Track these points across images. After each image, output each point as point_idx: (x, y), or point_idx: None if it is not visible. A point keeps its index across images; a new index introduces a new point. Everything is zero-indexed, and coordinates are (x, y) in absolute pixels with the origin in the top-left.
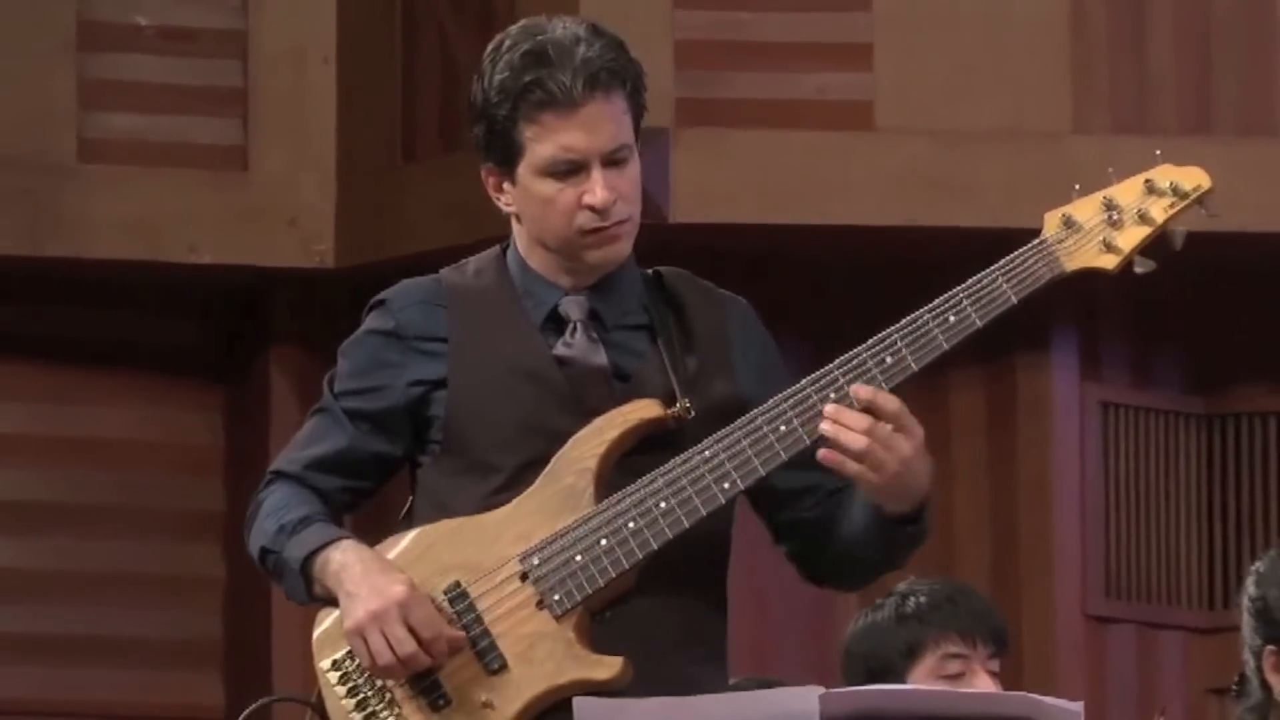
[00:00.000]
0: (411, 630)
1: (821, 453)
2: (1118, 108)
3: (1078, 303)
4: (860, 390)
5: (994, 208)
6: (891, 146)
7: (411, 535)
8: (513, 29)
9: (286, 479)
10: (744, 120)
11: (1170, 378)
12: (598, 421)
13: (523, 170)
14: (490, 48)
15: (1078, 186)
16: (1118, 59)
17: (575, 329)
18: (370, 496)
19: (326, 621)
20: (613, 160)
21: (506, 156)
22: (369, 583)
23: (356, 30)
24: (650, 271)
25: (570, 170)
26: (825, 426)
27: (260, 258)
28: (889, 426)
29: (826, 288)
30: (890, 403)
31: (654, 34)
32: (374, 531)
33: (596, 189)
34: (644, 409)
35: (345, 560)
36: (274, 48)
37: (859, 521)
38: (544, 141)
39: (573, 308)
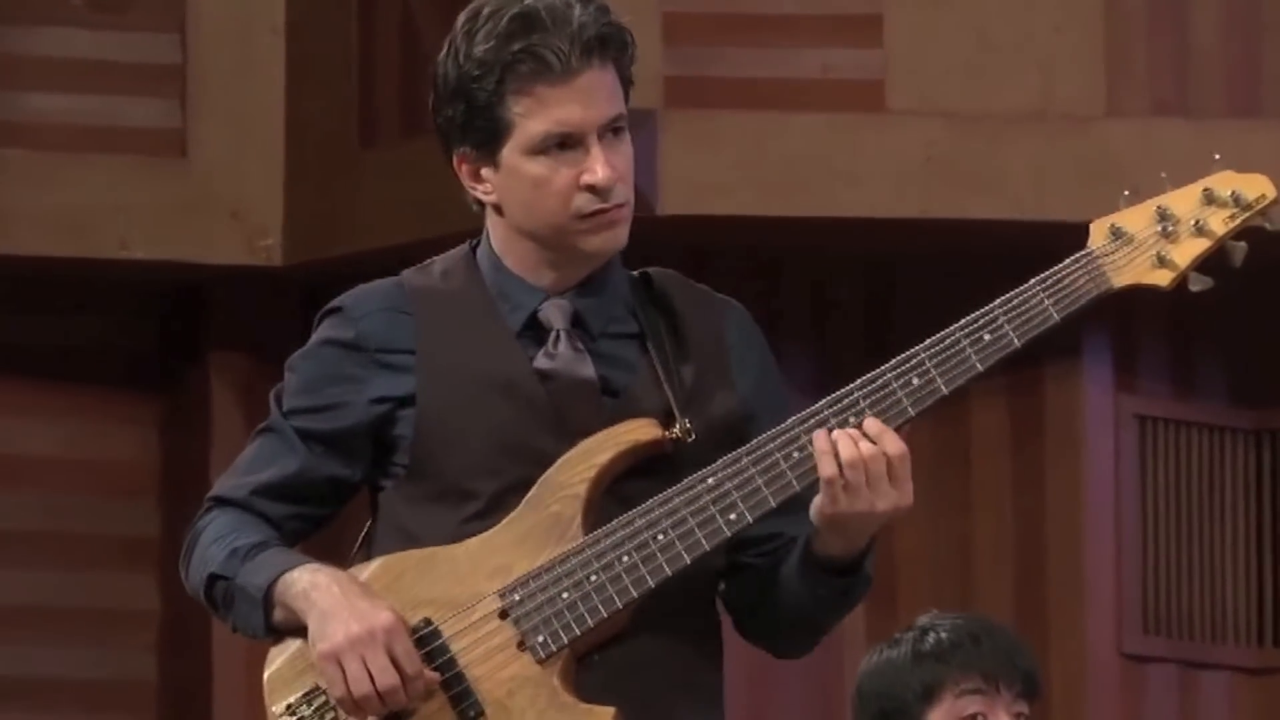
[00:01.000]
0: (394, 662)
1: (821, 460)
2: (1156, 87)
3: (1111, 305)
4: (871, 424)
5: (1018, 199)
6: (904, 130)
7: (375, 565)
8: None
9: (230, 506)
10: (740, 101)
11: (1215, 388)
12: (587, 443)
13: (509, 152)
14: (464, 18)
15: (1127, 193)
16: (1156, 32)
17: (558, 337)
18: (323, 525)
19: (279, 660)
20: (612, 129)
21: (489, 137)
22: (350, 605)
23: None
24: (637, 273)
25: (565, 147)
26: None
27: (199, 254)
28: (882, 468)
29: (832, 289)
30: (894, 444)
31: (640, 5)
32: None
33: (597, 166)
34: (640, 430)
35: (317, 581)
36: (216, 19)
37: (791, 562)
38: (536, 116)
39: (554, 313)
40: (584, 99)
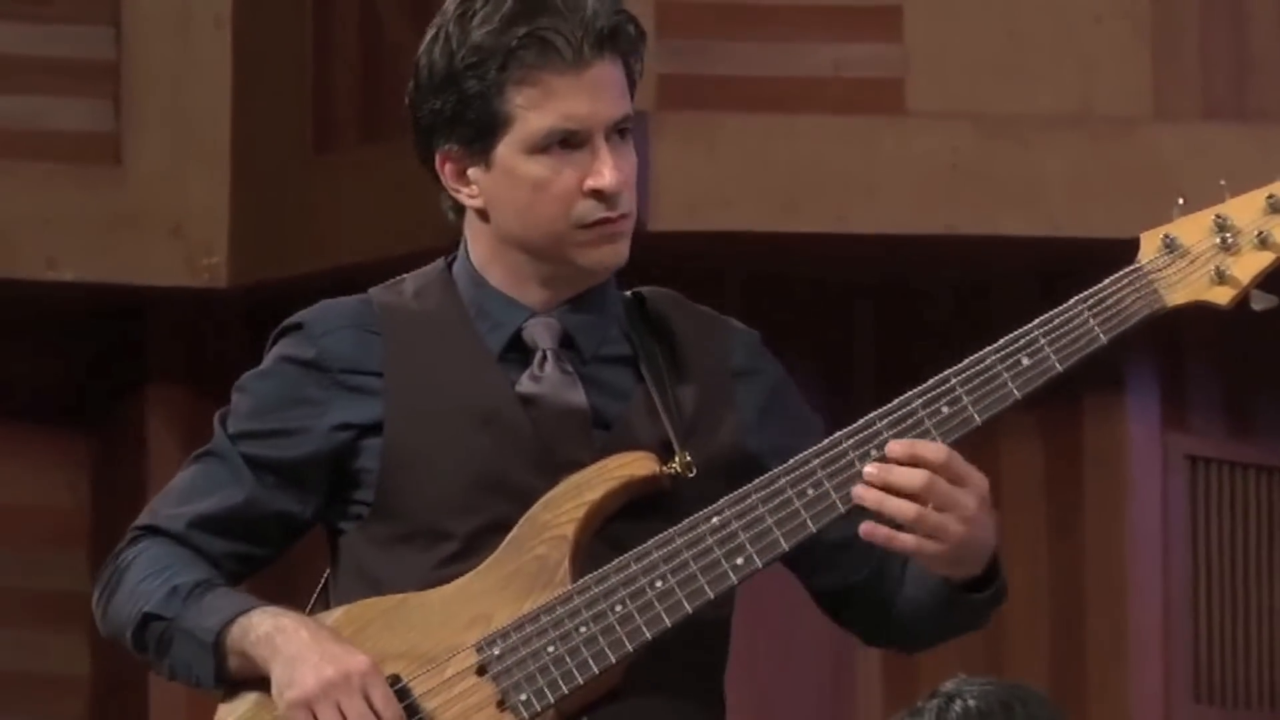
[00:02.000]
0: (372, 708)
1: (864, 527)
2: (1210, 87)
3: (1159, 331)
4: (895, 446)
5: (1055, 212)
6: (926, 135)
7: (338, 613)
8: None
9: (162, 536)
10: (741, 102)
11: (1273, 425)
12: (575, 478)
13: (505, 148)
14: (457, 1)
15: (1181, 201)
16: (1211, 24)
17: (545, 359)
18: (263, 567)
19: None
20: (618, 132)
21: (482, 132)
22: (320, 648)
23: None
24: (630, 294)
25: (569, 145)
26: (861, 491)
27: (136, 274)
28: (944, 481)
29: (846, 314)
30: (936, 452)
31: None
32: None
33: (605, 170)
34: (635, 464)
35: (280, 624)
36: (153, 10)
37: (922, 592)
38: (541, 109)
39: (541, 332)
40: (594, 93)
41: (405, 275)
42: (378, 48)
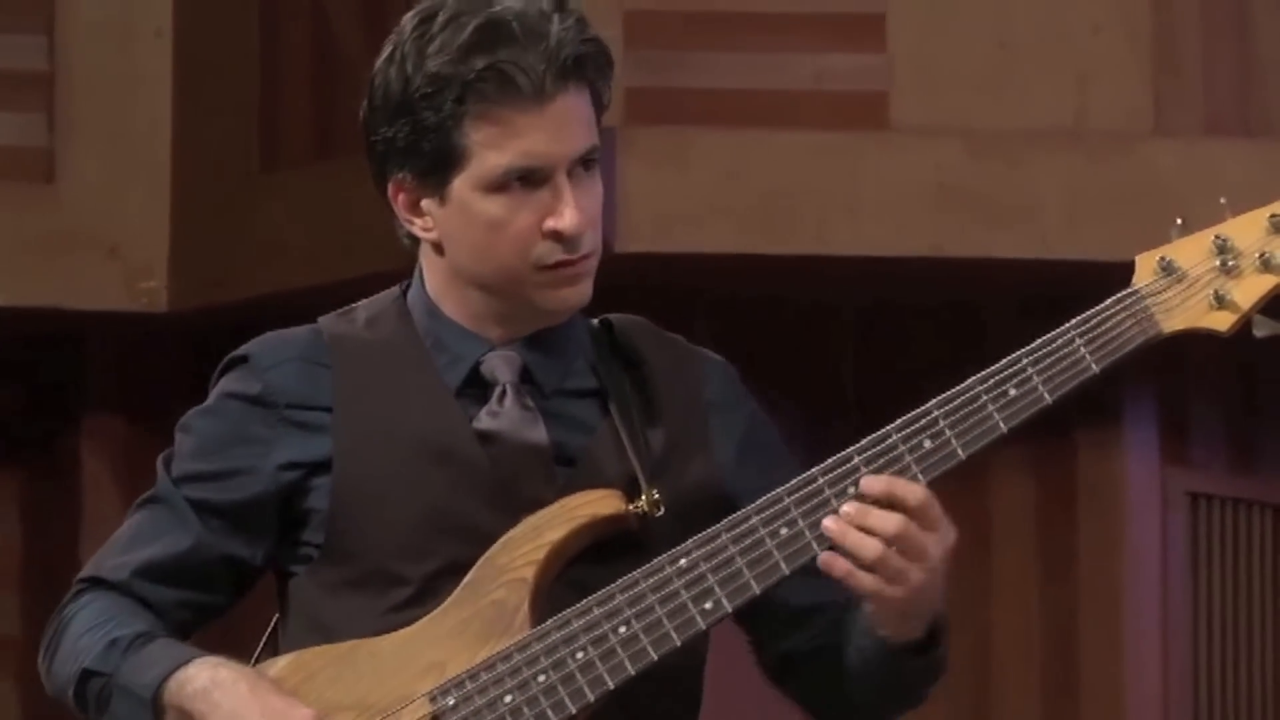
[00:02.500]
0: None
1: (822, 557)
2: (1212, 101)
3: (1158, 359)
4: (873, 483)
5: (1048, 233)
6: (912, 151)
7: (284, 662)
8: None
9: (105, 588)
10: (715, 117)
11: None
12: (536, 519)
13: (461, 184)
14: (415, 21)
15: (1179, 221)
16: (1213, 36)
17: (504, 394)
18: (217, 615)
19: None
20: (583, 165)
21: (437, 165)
22: (260, 702)
23: None
24: (597, 321)
25: (529, 183)
26: (828, 523)
27: (70, 298)
28: (916, 527)
29: (825, 340)
30: (914, 493)
31: (598, 3)
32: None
33: (565, 210)
34: (599, 503)
35: (219, 677)
36: (90, 18)
37: (865, 651)
38: (499, 146)
39: (500, 366)
40: (557, 129)
41: (358, 303)
42: (329, 58)
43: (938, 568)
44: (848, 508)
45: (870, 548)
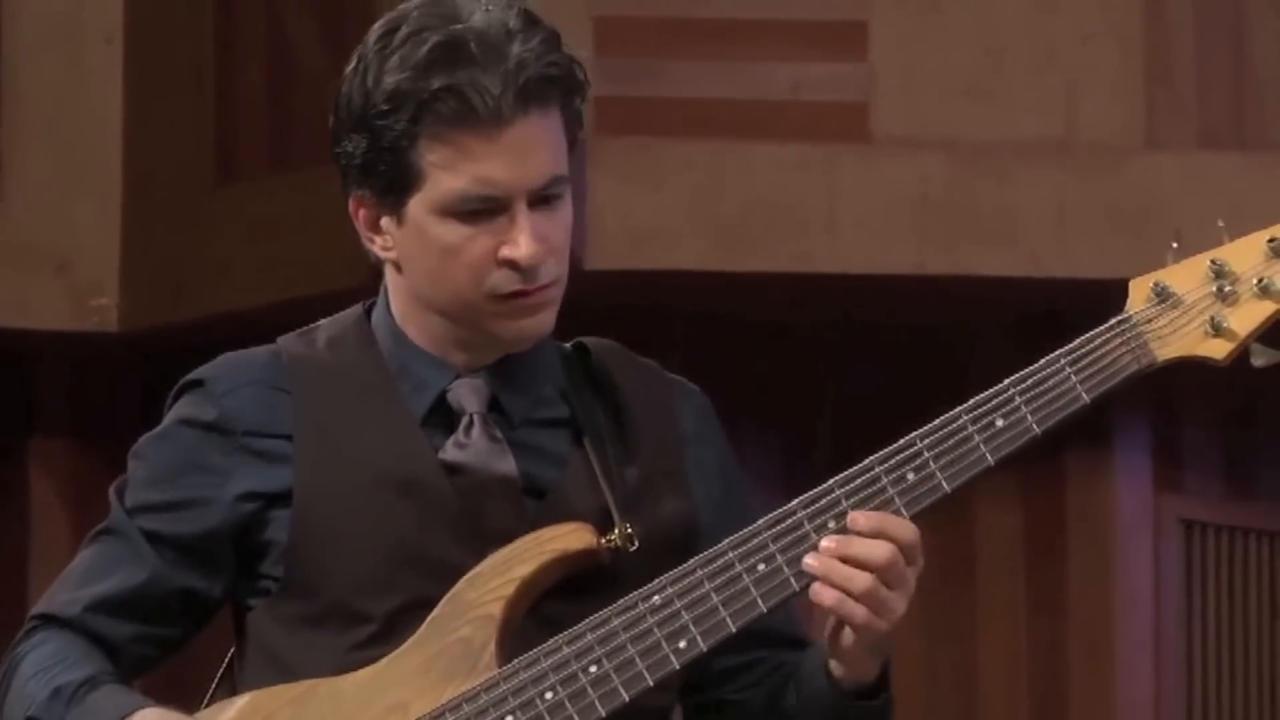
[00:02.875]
0: None
1: (813, 589)
2: (1207, 113)
3: (1151, 382)
4: (859, 518)
5: (1036, 250)
6: (894, 164)
7: (240, 703)
8: (410, 6)
9: (58, 626)
10: (689, 128)
11: (1276, 486)
12: (504, 553)
13: (416, 206)
14: (379, 32)
15: (1175, 245)
16: (1207, 47)
17: (471, 424)
18: (175, 650)
19: None
20: (543, 198)
21: (393, 184)
22: None
23: (151, 2)
24: (569, 346)
25: (485, 211)
26: (810, 560)
27: (16, 317)
28: (904, 561)
29: (803, 363)
30: (904, 531)
31: (566, 8)
32: (172, 697)
33: (521, 239)
34: (570, 537)
35: None
36: (36, 24)
37: (814, 697)
38: (454, 170)
39: (467, 395)
40: (514, 156)
41: (320, 322)
42: (287, 67)
43: (900, 611)
44: (827, 541)
45: (858, 579)
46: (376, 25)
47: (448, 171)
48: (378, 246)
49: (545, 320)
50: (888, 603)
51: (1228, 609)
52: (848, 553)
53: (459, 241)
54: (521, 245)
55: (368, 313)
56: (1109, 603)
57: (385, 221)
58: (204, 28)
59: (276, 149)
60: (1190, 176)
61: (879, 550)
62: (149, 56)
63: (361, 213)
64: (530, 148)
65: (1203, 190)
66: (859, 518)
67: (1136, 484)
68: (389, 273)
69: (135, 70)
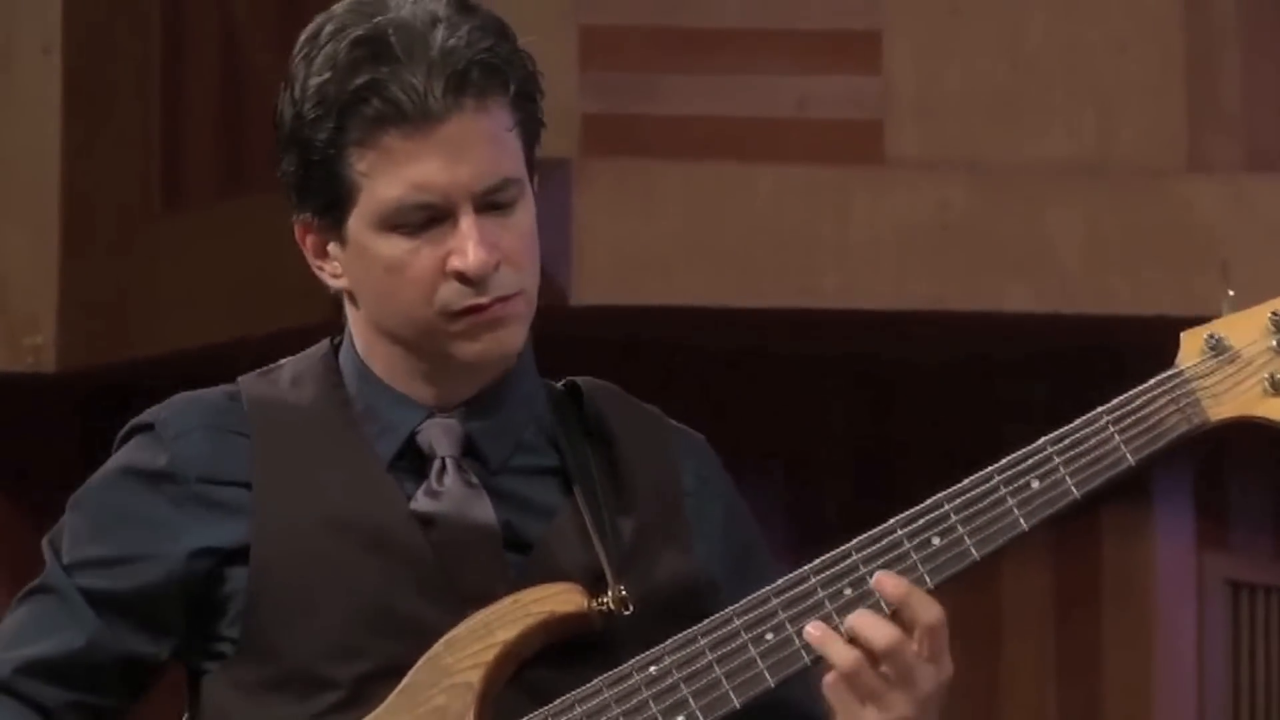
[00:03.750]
0: None
1: (828, 679)
2: (1256, 131)
3: None
4: (887, 582)
5: (1069, 283)
6: (910, 188)
7: None
8: (337, 7)
9: None
10: (685, 148)
11: None
12: (484, 615)
13: (355, 222)
14: (305, 35)
15: (1231, 294)
16: (1255, 59)
17: (444, 469)
18: (117, 719)
19: None
20: (492, 203)
21: (330, 202)
22: None
23: (94, 7)
24: (561, 385)
25: (427, 220)
26: (812, 630)
27: None
28: (915, 647)
29: (812, 407)
30: (930, 611)
31: (549, 17)
32: None
33: (468, 246)
34: (558, 599)
35: None
36: None
37: None
38: (386, 176)
39: (439, 436)
40: (450, 156)
41: (284, 360)
42: (239, 84)
43: (929, 704)
44: (855, 618)
45: (845, 656)
46: (306, 31)
47: (381, 180)
48: (327, 274)
49: (506, 339)
50: (877, 694)
51: (1278, 677)
52: (860, 631)
53: (402, 256)
54: (469, 253)
55: (335, 349)
56: (1148, 670)
57: (332, 246)
58: (150, 40)
59: (228, 173)
60: (1238, 202)
61: (883, 632)
62: (91, 69)
63: (308, 239)
64: (467, 145)
65: (1252, 217)
66: (886, 582)
67: (1178, 541)
68: (347, 304)
69: (75, 84)
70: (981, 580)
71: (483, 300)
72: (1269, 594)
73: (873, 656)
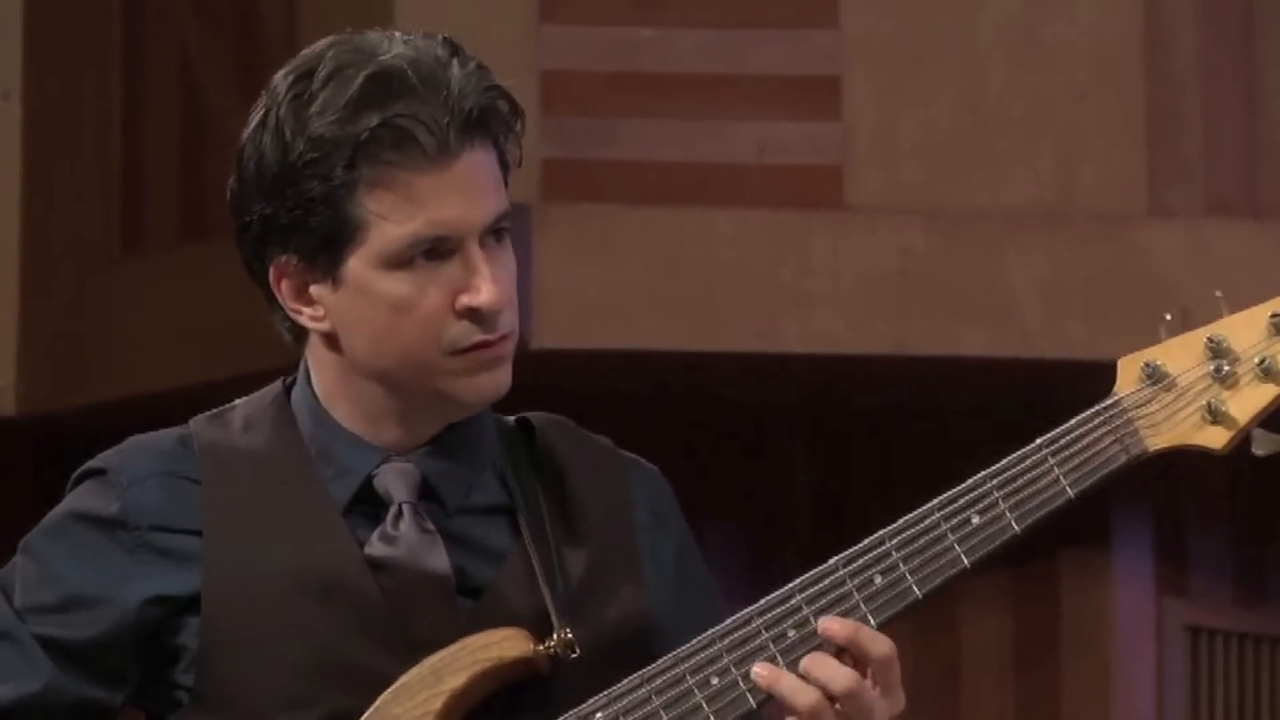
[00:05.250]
0: None
1: (770, 711)
2: (1216, 178)
3: (1151, 473)
4: (833, 626)
5: (1027, 328)
6: (870, 234)
7: None
8: (320, 48)
9: None
10: (645, 193)
11: None
12: (432, 661)
13: (358, 262)
14: (290, 79)
15: (1168, 317)
16: (1216, 105)
17: (400, 514)
18: None
19: None
20: (492, 232)
21: (329, 244)
22: None
23: (55, 52)
24: (514, 421)
25: (435, 256)
26: (759, 670)
27: None
28: (870, 689)
29: (771, 451)
30: (879, 646)
31: (509, 59)
32: None
33: (483, 285)
34: (504, 644)
35: None
36: None
37: None
38: (401, 214)
39: (395, 481)
40: (464, 193)
41: (236, 402)
42: (200, 128)
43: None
44: (809, 660)
45: (803, 696)
46: (281, 73)
47: (394, 216)
48: (306, 318)
49: (503, 378)
50: None
51: None
52: (815, 671)
53: (411, 294)
54: (483, 291)
55: (287, 391)
56: (1107, 716)
57: (316, 289)
58: (111, 84)
59: (189, 217)
60: (1198, 248)
61: (842, 676)
62: (51, 113)
63: (284, 283)
64: (478, 182)
65: (1211, 263)
66: (832, 625)
67: (1137, 586)
68: (313, 348)
69: (35, 128)
70: (940, 626)
71: (491, 337)
72: (1228, 639)
73: (831, 698)
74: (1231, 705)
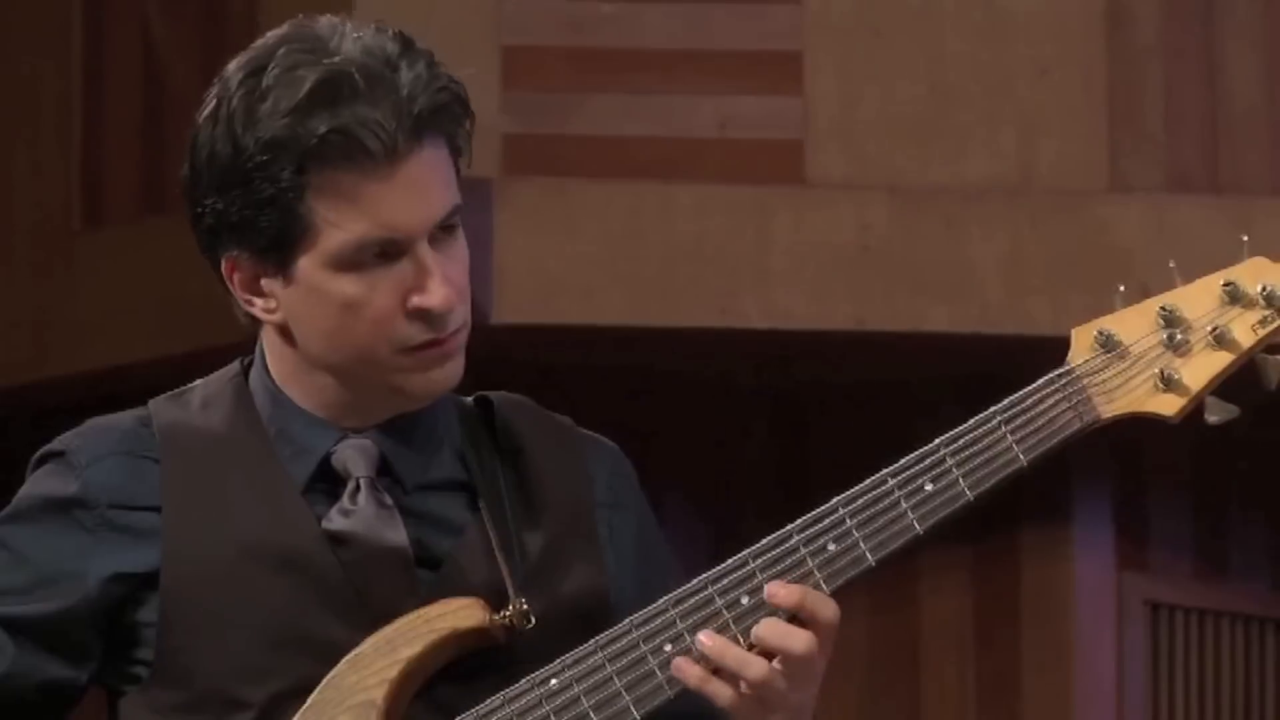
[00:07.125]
0: None
1: (675, 662)
2: (1176, 155)
3: (1112, 448)
4: (779, 591)
5: (988, 304)
6: (831, 209)
7: None
8: (272, 42)
9: None
10: (606, 168)
11: (1254, 565)
12: (388, 631)
13: (308, 263)
14: (241, 73)
15: (1122, 288)
16: (1177, 81)
17: (358, 489)
18: None
19: None
20: (442, 228)
21: (278, 243)
22: None
23: (16, 25)
24: (471, 400)
25: (386, 257)
26: (704, 639)
27: None
28: (814, 651)
29: (732, 425)
30: (826, 609)
31: (470, 37)
32: None
33: (433, 286)
34: (460, 614)
35: None
36: None
37: None
38: (350, 218)
39: (354, 457)
40: (413, 194)
41: (195, 383)
42: (161, 99)
43: (813, 684)
44: (763, 625)
45: (756, 669)
46: (235, 64)
47: (343, 221)
48: (259, 309)
49: (454, 370)
50: (784, 696)
51: (1198, 699)
52: (769, 638)
53: (361, 295)
54: (434, 293)
55: (245, 371)
56: (1067, 692)
57: (267, 282)
58: (72, 57)
59: (149, 189)
60: (1159, 223)
61: (800, 640)
62: (9, 85)
63: (238, 276)
64: (427, 182)
65: (1173, 238)
66: (778, 591)
67: (1098, 561)
68: (268, 333)
69: None
70: (901, 602)
71: (442, 335)
72: (1188, 615)
73: (789, 661)
74: (1191, 680)
